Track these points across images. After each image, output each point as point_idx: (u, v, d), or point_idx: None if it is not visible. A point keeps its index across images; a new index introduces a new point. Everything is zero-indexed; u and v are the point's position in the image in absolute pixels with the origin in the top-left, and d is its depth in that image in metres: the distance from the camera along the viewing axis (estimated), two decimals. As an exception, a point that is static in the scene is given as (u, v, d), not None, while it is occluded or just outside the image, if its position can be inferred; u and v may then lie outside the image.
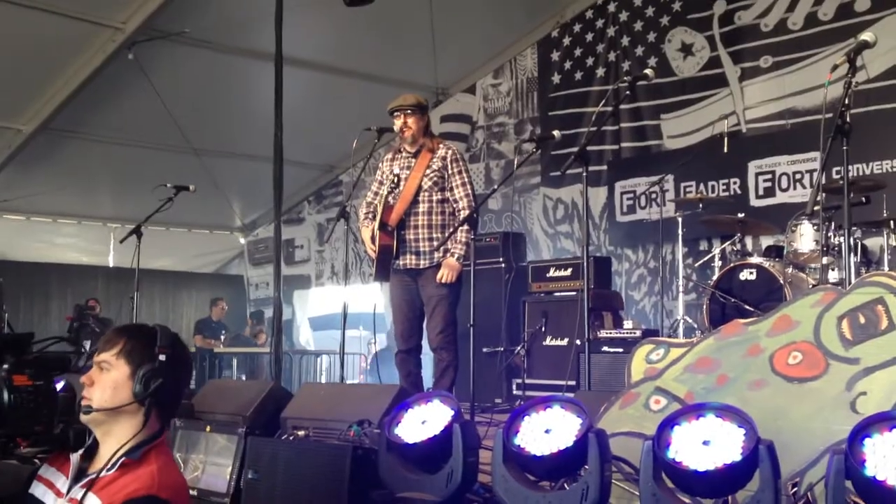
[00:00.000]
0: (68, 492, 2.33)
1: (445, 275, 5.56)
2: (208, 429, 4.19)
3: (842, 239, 5.48)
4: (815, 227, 5.79)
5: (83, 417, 2.35)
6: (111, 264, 13.15)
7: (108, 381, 2.35)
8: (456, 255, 5.57)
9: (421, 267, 5.66)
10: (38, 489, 2.39)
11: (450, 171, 5.69)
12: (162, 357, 2.36)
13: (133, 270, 7.47)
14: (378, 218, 5.71)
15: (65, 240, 13.01)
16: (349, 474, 3.44)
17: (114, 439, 2.34)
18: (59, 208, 12.39)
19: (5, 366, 2.32)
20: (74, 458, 2.39)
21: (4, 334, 2.50)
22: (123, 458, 2.29)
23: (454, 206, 5.71)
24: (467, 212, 5.54)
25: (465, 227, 5.47)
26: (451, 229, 5.57)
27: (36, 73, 9.23)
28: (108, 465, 2.29)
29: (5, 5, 7.95)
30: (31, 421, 2.30)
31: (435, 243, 5.62)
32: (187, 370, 2.58)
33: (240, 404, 4.45)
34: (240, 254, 14.53)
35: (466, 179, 5.73)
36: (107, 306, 12.34)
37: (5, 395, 2.27)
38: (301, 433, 4.20)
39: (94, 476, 2.29)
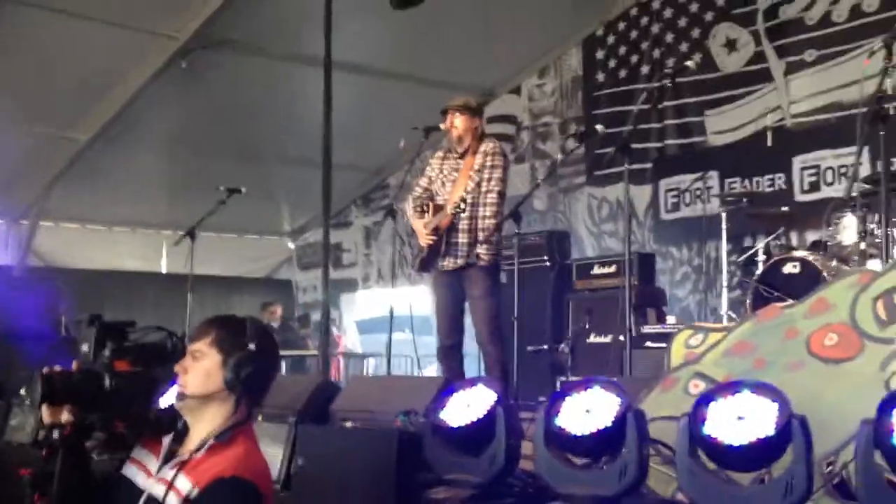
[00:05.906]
0: (158, 472, 2.45)
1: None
2: (260, 418, 4.31)
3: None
4: (860, 219, 5.74)
5: (177, 403, 2.47)
6: (164, 270, 13.39)
7: (200, 370, 2.46)
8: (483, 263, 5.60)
9: (463, 265, 5.67)
10: (129, 470, 2.51)
11: (487, 166, 5.64)
12: (251, 346, 2.47)
13: (185, 276, 7.62)
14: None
15: (119, 247, 13.26)
16: (396, 457, 3.54)
17: (204, 424, 2.47)
18: (114, 216, 12.66)
19: (106, 352, 2.48)
20: (166, 440, 2.51)
21: (107, 322, 2.61)
22: (213, 442, 2.41)
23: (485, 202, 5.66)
24: (492, 221, 5.55)
25: (492, 228, 5.53)
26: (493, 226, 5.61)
27: (92, 83, 9.43)
28: (199, 448, 2.42)
29: (59, 17, 8.18)
30: (129, 404, 2.44)
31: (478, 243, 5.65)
32: (275, 359, 2.69)
33: (290, 397, 4.58)
34: (288, 258, 14.70)
35: (498, 177, 5.64)
36: (159, 311, 12.57)
37: (107, 380, 2.42)
38: (349, 424, 4.31)
39: (185, 458, 2.41)
